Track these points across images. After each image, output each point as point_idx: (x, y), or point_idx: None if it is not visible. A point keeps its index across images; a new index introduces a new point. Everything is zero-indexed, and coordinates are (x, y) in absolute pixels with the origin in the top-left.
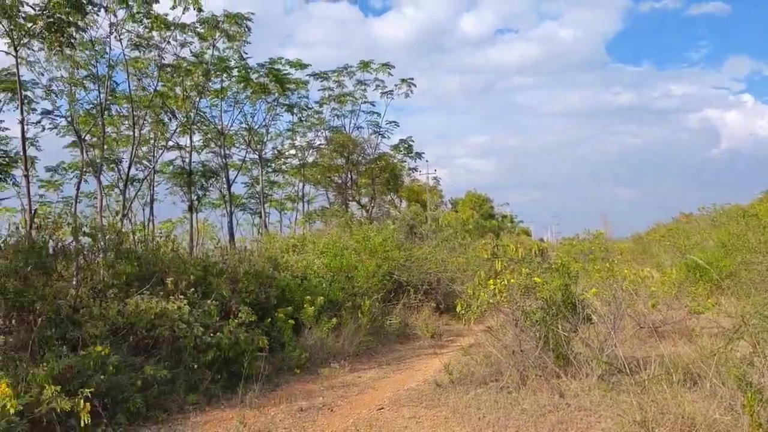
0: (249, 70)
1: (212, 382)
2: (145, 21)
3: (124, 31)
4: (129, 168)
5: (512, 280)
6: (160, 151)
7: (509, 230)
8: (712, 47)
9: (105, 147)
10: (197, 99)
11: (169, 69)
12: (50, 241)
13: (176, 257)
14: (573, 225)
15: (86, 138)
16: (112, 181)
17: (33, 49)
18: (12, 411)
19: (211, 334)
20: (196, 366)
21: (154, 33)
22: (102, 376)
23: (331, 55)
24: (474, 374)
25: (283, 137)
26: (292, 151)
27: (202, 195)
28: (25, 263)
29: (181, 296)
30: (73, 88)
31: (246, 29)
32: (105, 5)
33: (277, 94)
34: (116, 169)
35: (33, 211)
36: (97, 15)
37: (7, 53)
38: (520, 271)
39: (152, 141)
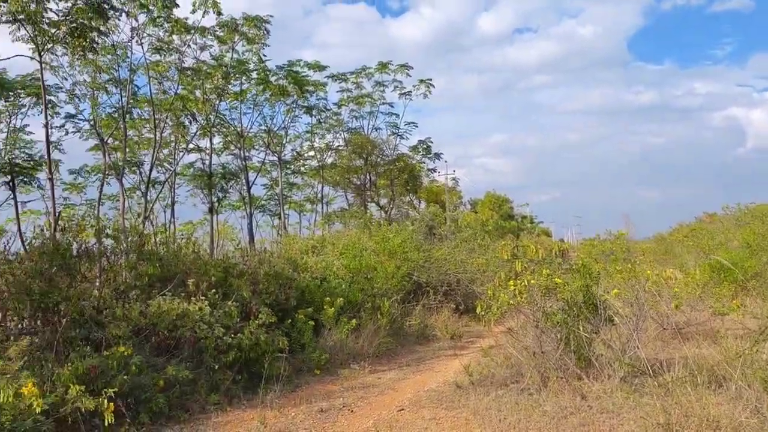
0: (268, 73)
1: (233, 383)
2: (166, 25)
3: (145, 35)
4: (150, 170)
5: (533, 281)
6: (181, 154)
7: (529, 231)
8: (736, 44)
9: (127, 150)
10: (217, 102)
11: (189, 72)
12: (74, 243)
13: (197, 259)
14: (594, 225)
15: (108, 141)
16: (134, 183)
17: (56, 54)
18: (38, 410)
19: (232, 335)
20: (217, 366)
21: (175, 37)
22: (125, 376)
23: (348, 56)
24: (494, 376)
25: (302, 139)
26: (311, 153)
27: (223, 197)
28: (49, 265)
29: (203, 297)
30: (95, 92)
31: (265, 32)
32: (126, 10)
33: (295, 96)
34: (138, 171)
35: (57, 214)
36: (119, 20)
37: (32, 58)
38: (541, 272)
39: (173, 144)
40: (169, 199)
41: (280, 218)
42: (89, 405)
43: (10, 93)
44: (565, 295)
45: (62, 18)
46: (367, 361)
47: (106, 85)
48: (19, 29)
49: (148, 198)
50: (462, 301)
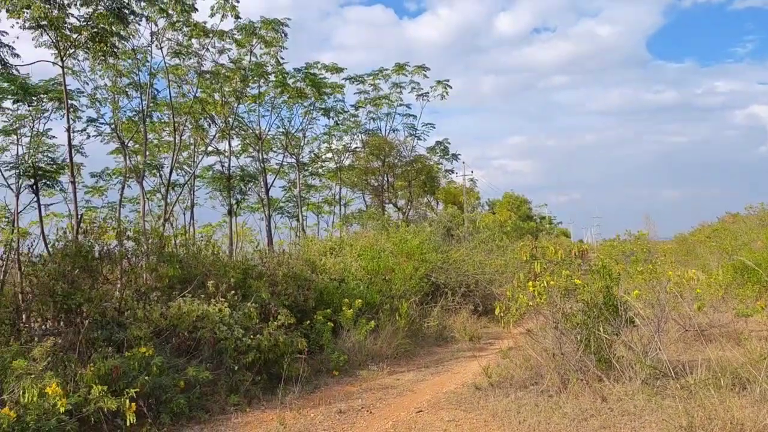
0: (286, 75)
1: (253, 384)
2: (185, 29)
3: (164, 39)
4: (170, 173)
5: (552, 283)
6: (200, 156)
7: (548, 232)
8: (758, 42)
9: (147, 153)
10: (235, 104)
11: (208, 75)
12: (96, 245)
13: (217, 260)
14: (614, 226)
15: (129, 144)
16: (155, 186)
17: (78, 59)
18: (62, 410)
19: (252, 337)
20: (236, 368)
21: (194, 41)
22: (146, 377)
23: (366, 58)
24: (513, 377)
25: (320, 141)
26: (329, 155)
27: (241, 199)
28: (72, 267)
29: (222, 299)
30: (116, 96)
31: (282, 35)
32: (146, 15)
33: (313, 99)
34: (158, 174)
35: (79, 216)
36: (139, 25)
37: (54, 63)
38: (560, 273)
39: (192, 146)
40: (189, 201)
41: (298, 220)
42: (111, 405)
43: (34, 98)
44: (585, 297)
45: (84, 23)
46: (385, 362)
47: (127, 89)
48: (41, 35)
49: (168, 200)
50: (480, 302)
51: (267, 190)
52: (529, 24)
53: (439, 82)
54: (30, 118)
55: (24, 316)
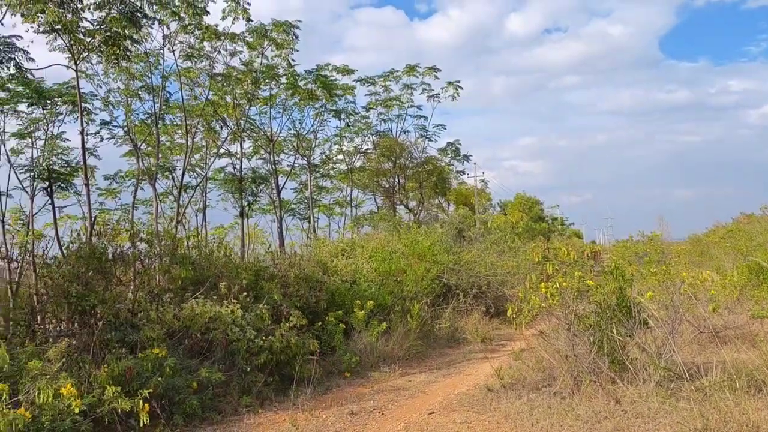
0: (297, 77)
1: (265, 385)
2: (197, 32)
3: (176, 42)
4: (183, 175)
5: (564, 284)
6: (212, 159)
7: (560, 233)
8: None
9: (160, 155)
10: (247, 107)
11: (219, 78)
12: (109, 247)
13: (229, 262)
14: (626, 227)
15: (142, 147)
16: (167, 188)
17: (91, 63)
18: (76, 410)
19: (264, 338)
20: (249, 369)
21: (205, 43)
22: (159, 378)
23: (377, 59)
24: (526, 379)
25: (331, 142)
26: (340, 156)
27: (253, 201)
28: (86, 268)
29: (234, 300)
30: (129, 98)
31: (294, 37)
32: (159, 18)
33: (324, 100)
34: (170, 176)
35: (93, 219)
36: (151, 28)
37: (68, 67)
38: (573, 274)
39: (204, 149)
40: (201, 203)
41: (309, 221)
42: (125, 406)
43: (48, 101)
44: (598, 298)
45: (97, 27)
46: (397, 363)
47: (139, 92)
48: (55, 39)
49: (181, 202)
50: (492, 303)
51: (278, 192)
52: (540, 25)
53: (449, 83)
54: (44, 121)
55: (39, 318)
